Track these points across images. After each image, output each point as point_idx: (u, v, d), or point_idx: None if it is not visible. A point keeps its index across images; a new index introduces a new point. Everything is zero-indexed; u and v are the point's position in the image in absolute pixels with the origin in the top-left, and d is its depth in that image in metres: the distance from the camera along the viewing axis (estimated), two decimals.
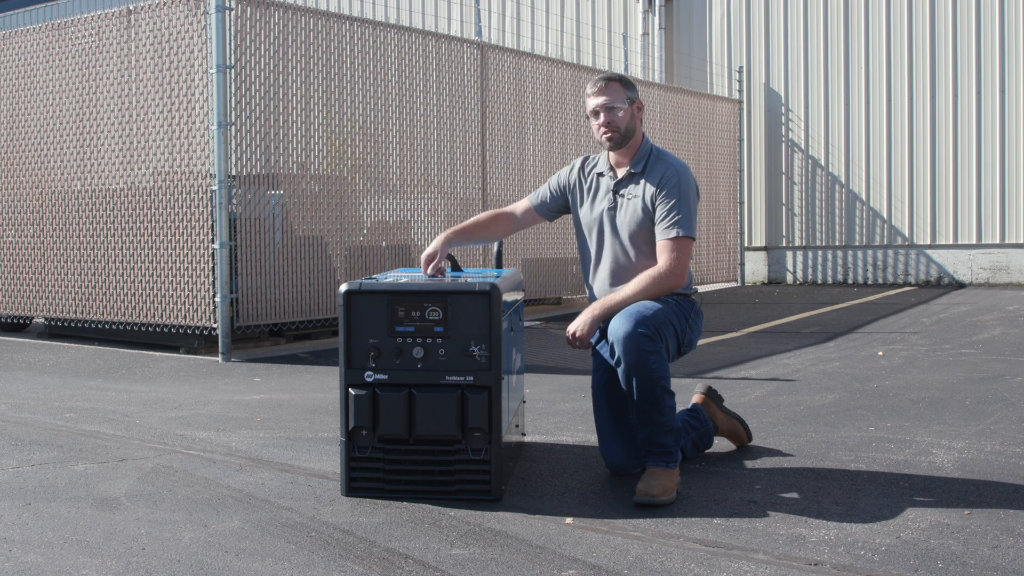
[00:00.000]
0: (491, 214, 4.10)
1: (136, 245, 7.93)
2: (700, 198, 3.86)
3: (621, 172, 3.86)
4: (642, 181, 3.79)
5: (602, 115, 3.79)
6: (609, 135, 3.80)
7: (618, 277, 3.84)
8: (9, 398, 5.75)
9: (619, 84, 3.82)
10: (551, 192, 4.05)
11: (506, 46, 12.32)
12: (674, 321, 3.68)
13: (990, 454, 4.09)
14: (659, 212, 3.73)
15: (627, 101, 3.80)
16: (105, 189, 8.20)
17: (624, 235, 3.81)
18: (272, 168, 7.87)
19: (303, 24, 8.05)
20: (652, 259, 3.77)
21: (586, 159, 4.02)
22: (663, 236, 3.71)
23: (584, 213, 3.96)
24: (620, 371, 3.55)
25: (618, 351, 3.52)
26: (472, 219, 4.09)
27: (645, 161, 3.82)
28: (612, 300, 3.69)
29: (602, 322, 3.73)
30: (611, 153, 3.89)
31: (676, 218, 3.70)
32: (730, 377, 6.18)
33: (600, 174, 3.93)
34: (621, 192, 3.83)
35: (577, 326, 3.69)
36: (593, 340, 3.92)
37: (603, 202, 3.88)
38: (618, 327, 3.53)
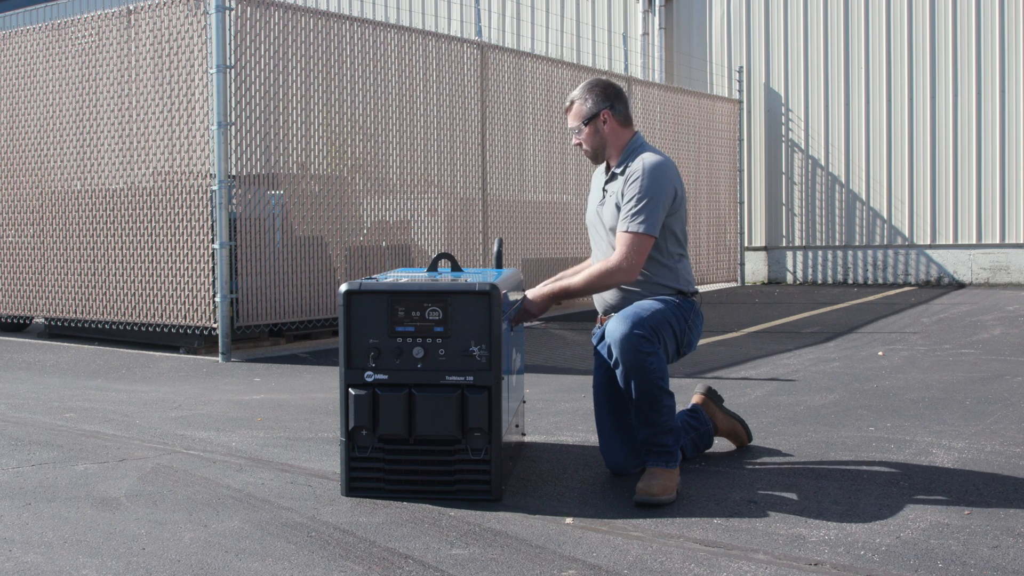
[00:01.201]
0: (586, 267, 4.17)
1: (136, 245, 7.93)
2: (680, 196, 3.82)
3: (610, 172, 3.93)
4: (620, 177, 3.84)
5: (574, 137, 3.95)
6: (584, 153, 3.96)
7: None
8: (9, 398, 5.75)
9: (579, 103, 3.89)
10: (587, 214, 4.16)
11: (506, 46, 12.32)
12: (672, 322, 3.69)
13: (990, 454, 4.09)
14: (622, 204, 3.77)
15: (587, 120, 3.85)
16: (105, 189, 8.19)
17: (609, 231, 3.86)
18: (272, 168, 7.87)
19: (303, 24, 8.05)
20: None
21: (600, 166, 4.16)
22: (619, 229, 3.76)
23: (587, 212, 4.08)
24: (618, 372, 3.56)
25: (615, 352, 3.53)
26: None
27: (627, 159, 3.87)
28: (566, 284, 3.86)
29: (554, 302, 3.91)
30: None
31: (631, 212, 3.71)
32: (730, 377, 6.18)
33: (600, 174, 4.03)
34: (607, 189, 3.90)
35: (532, 295, 3.87)
36: (594, 341, 3.96)
37: (596, 200, 3.98)
38: (615, 328, 3.55)
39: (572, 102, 3.91)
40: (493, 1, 16.00)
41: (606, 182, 3.91)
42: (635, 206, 3.71)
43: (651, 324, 3.57)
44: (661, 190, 3.73)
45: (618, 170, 3.86)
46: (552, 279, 4.06)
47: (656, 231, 3.72)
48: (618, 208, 3.79)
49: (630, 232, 3.70)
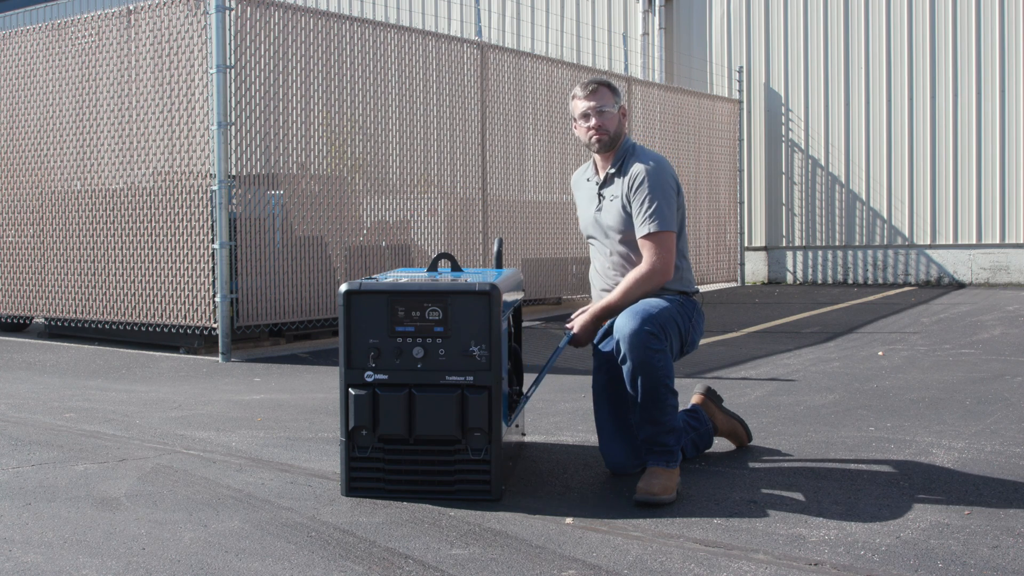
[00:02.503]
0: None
1: (136, 245, 7.93)
2: (682, 192, 3.86)
3: (603, 174, 3.92)
4: (618, 179, 3.85)
5: (594, 118, 3.84)
6: (599, 137, 3.85)
7: (610, 275, 3.91)
8: (9, 398, 5.75)
9: (608, 89, 3.88)
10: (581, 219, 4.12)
11: (506, 46, 12.32)
12: (678, 320, 3.71)
13: (990, 454, 4.09)
14: (634, 209, 3.78)
15: (615, 105, 3.86)
16: (105, 189, 8.19)
17: (611, 235, 3.87)
18: (272, 168, 7.87)
19: (303, 24, 8.05)
20: (640, 255, 3.82)
21: (580, 170, 4.12)
22: (640, 233, 3.76)
23: (580, 218, 4.07)
24: (625, 369, 3.56)
25: (624, 348, 3.54)
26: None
27: (622, 160, 3.87)
28: (606, 303, 3.79)
29: (597, 324, 3.83)
30: (597, 156, 3.94)
31: (648, 213, 3.73)
32: (730, 377, 6.18)
33: (588, 179, 4.02)
34: (603, 193, 3.90)
35: (578, 326, 3.81)
36: (595, 340, 3.96)
37: (591, 205, 3.95)
38: (624, 324, 3.55)
39: (599, 85, 3.86)
40: (493, 1, 16.00)
41: (601, 186, 3.91)
42: (648, 207, 3.72)
43: (659, 321, 3.58)
44: (667, 186, 3.78)
45: (612, 170, 3.87)
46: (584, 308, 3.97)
47: (674, 226, 3.76)
48: (624, 211, 3.79)
49: (652, 234, 3.72)
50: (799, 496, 3.53)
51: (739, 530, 3.15)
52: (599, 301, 3.84)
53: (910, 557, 2.88)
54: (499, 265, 4.41)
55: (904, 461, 4.00)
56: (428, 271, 4.00)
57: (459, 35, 11.13)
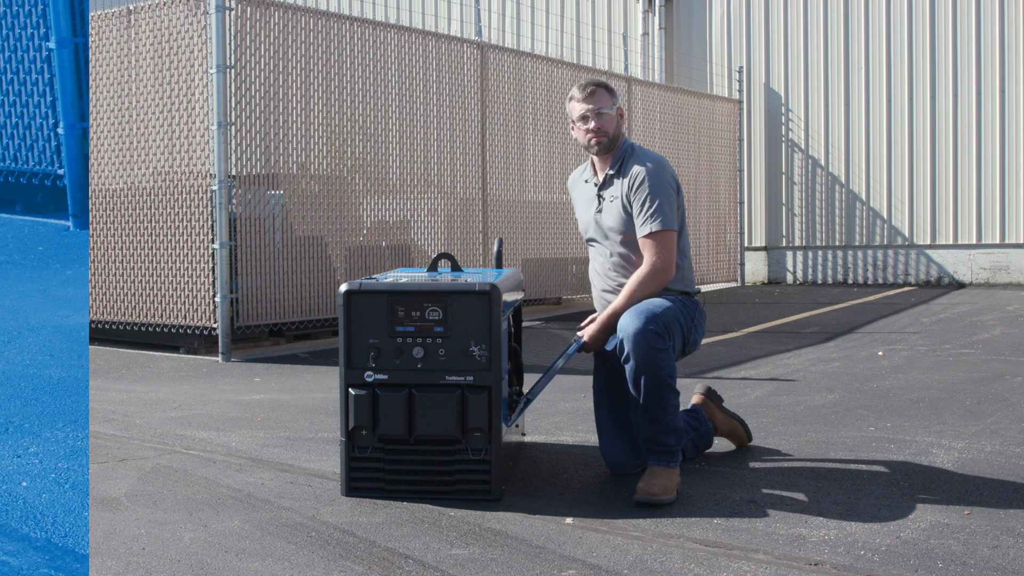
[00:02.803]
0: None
1: (136, 245, 7.93)
2: (682, 191, 3.87)
3: (602, 176, 3.91)
4: (617, 180, 3.84)
5: (592, 120, 3.82)
6: (598, 139, 3.84)
7: (611, 276, 3.90)
8: None
9: (606, 91, 3.87)
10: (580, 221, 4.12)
11: (506, 46, 12.31)
12: (681, 319, 3.71)
13: (990, 454, 4.09)
14: (634, 209, 3.78)
15: (613, 107, 3.85)
16: (105, 189, 8.19)
17: (612, 236, 3.86)
18: (272, 168, 7.87)
19: (303, 24, 8.05)
20: (640, 255, 3.82)
21: (577, 171, 4.12)
22: (641, 233, 3.76)
23: (579, 220, 4.06)
24: (628, 368, 3.56)
25: (627, 347, 3.54)
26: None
27: (621, 161, 3.87)
28: (612, 310, 3.77)
29: (606, 332, 3.81)
30: (596, 157, 3.94)
31: (649, 212, 3.73)
32: (730, 377, 6.18)
33: (586, 180, 4.01)
34: (603, 195, 3.89)
35: (589, 335, 3.81)
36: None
37: (591, 207, 3.94)
38: (628, 323, 3.55)
39: (597, 86, 3.85)
40: (493, 1, 16.00)
41: (600, 187, 3.91)
42: (649, 207, 3.72)
43: (663, 320, 3.59)
44: (668, 185, 3.78)
45: (611, 172, 3.87)
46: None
47: (675, 224, 3.76)
48: (624, 211, 3.79)
49: (653, 233, 3.72)
50: (799, 496, 3.53)
51: (739, 530, 3.15)
52: (605, 309, 3.82)
53: (910, 557, 2.88)
54: (499, 265, 4.42)
55: (904, 461, 4.00)
56: (428, 271, 4.00)
57: (459, 35, 11.12)
